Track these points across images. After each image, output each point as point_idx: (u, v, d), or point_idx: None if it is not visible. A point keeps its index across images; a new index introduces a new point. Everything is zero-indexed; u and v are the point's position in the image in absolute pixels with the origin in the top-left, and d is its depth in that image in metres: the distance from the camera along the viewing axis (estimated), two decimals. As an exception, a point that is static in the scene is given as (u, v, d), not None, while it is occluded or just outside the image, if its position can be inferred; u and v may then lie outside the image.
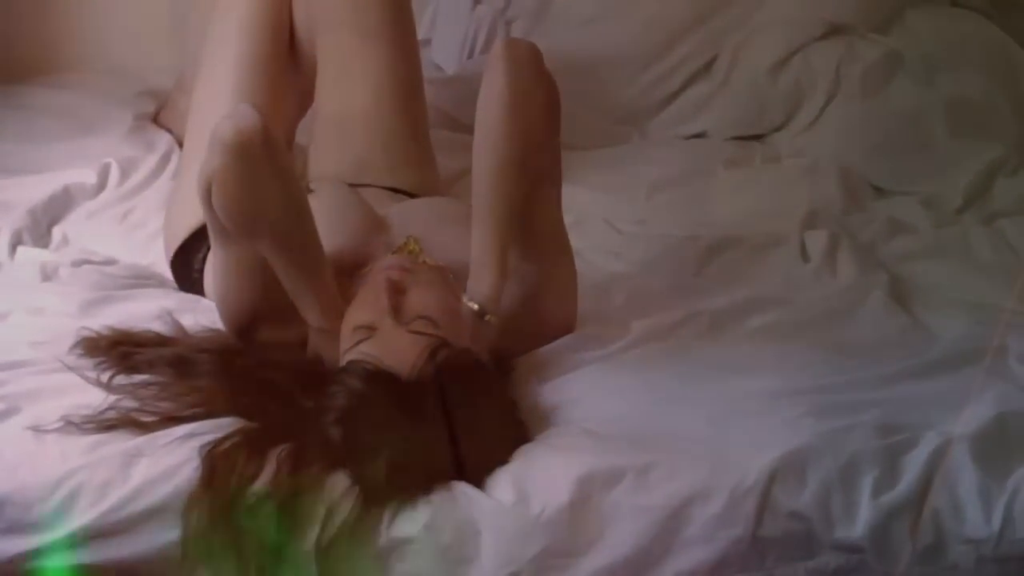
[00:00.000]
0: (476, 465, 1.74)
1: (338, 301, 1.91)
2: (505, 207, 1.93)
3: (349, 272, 1.97)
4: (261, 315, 1.96)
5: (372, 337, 1.81)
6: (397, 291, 1.84)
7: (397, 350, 1.78)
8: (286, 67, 2.36)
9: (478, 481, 1.73)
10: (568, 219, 2.16)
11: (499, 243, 1.93)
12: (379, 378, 1.75)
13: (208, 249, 2.17)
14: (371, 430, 1.71)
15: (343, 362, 1.82)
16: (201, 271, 2.20)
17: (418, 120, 2.40)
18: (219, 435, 1.73)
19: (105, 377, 1.86)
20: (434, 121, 2.50)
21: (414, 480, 1.70)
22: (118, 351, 1.90)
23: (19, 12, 3.19)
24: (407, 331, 1.81)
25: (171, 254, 2.26)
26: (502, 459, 1.77)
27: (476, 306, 1.90)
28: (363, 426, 1.72)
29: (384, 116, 2.35)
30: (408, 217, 2.12)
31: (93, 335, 1.94)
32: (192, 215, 2.22)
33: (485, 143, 1.95)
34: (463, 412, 1.73)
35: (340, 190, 2.18)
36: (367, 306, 1.85)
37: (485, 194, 1.94)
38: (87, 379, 1.86)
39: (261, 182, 1.84)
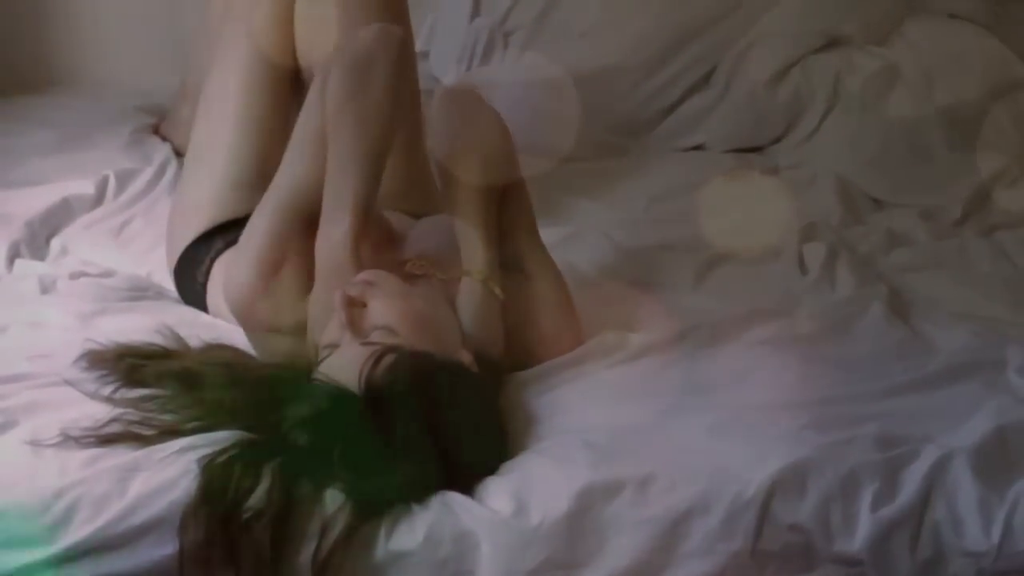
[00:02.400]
0: (452, 470, 1.72)
1: (367, 228, 1.94)
2: (478, 197, 1.98)
3: None
4: (295, 232, 1.99)
5: (333, 354, 1.81)
6: (352, 305, 1.84)
7: (347, 364, 1.76)
8: (292, 89, 2.36)
9: (463, 489, 1.72)
10: (566, 232, 2.17)
11: (479, 224, 1.97)
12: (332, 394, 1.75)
13: (211, 261, 2.18)
14: (336, 445, 1.70)
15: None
16: (204, 284, 2.20)
17: (418, 140, 2.41)
18: (216, 448, 1.72)
19: (107, 390, 1.86)
20: (431, 132, 2.50)
21: (393, 490, 1.69)
22: (124, 364, 1.90)
23: (17, 25, 3.20)
24: (359, 343, 1.80)
25: (174, 262, 2.26)
26: (487, 465, 1.76)
27: (479, 280, 1.92)
28: (329, 442, 1.70)
29: None
30: (425, 234, 2.12)
31: (99, 348, 1.93)
32: (196, 223, 2.22)
33: (442, 152, 2.04)
34: (425, 416, 1.71)
35: None
36: (334, 325, 1.85)
37: (454, 194, 2.00)
38: (86, 392, 1.85)
39: (395, 66, 2.00)
